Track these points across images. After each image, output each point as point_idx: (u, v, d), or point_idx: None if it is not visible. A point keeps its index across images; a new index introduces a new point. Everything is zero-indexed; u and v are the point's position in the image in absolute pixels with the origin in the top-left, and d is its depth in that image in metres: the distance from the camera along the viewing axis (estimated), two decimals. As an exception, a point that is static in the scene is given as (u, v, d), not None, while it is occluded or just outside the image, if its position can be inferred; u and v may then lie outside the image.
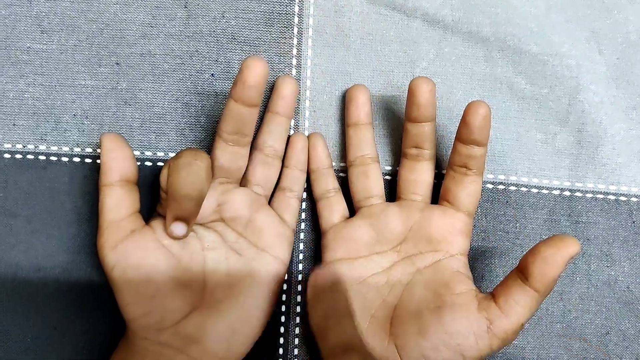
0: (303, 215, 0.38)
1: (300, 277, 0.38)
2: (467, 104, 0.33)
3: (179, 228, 0.32)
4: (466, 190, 0.34)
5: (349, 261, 0.35)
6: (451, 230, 0.34)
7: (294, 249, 0.38)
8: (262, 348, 0.37)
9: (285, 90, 0.35)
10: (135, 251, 0.32)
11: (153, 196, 0.37)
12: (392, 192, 0.38)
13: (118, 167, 0.32)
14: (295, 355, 0.38)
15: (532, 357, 0.38)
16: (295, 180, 0.36)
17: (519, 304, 0.30)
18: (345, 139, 0.37)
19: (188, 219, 0.32)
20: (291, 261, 0.38)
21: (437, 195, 0.36)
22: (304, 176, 0.37)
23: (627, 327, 0.38)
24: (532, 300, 0.30)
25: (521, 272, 0.30)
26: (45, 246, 0.37)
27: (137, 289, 0.32)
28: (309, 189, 0.38)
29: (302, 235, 0.38)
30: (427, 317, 0.32)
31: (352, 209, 0.37)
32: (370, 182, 0.36)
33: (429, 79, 0.33)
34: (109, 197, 0.32)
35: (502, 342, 0.31)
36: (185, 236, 0.32)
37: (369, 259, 0.35)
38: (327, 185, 0.37)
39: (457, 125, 0.38)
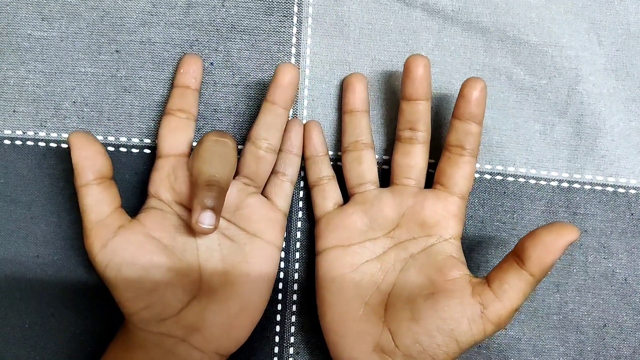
0: (300, 204, 0.38)
1: (297, 265, 0.38)
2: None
3: (207, 217, 0.29)
4: (461, 172, 0.34)
5: (342, 248, 0.35)
6: (444, 214, 0.34)
7: (290, 237, 0.38)
8: (259, 337, 0.37)
9: (284, 79, 0.34)
10: (126, 247, 0.32)
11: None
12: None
13: (91, 165, 0.32)
14: (292, 343, 0.38)
15: (528, 349, 0.38)
16: (289, 164, 0.36)
17: (513, 288, 0.30)
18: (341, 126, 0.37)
19: (216, 207, 0.30)
20: (288, 250, 0.38)
21: (431, 183, 0.36)
22: (299, 160, 0.37)
23: (624, 320, 0.38)
24: (527, 285, 0.30)
25: (518, 256, 0.30)
26: (44, 233, 0.37)
27: (134, 284, 0.31)
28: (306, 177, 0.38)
29: (299, 224, 0.38)
30: (421, 303, 0.32)
31: (347, 198, 0.37)
32: (363, 168, 0.36)
33: (424, 56, 0.34)
34: (89, 197, 0.32)
35: (496, 327, 0.31)
36: (213, 229, 0.30)
37: (362, 246, 0.35)
38: (321, 172, 0.37)
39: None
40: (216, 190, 0.30)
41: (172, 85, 0.37)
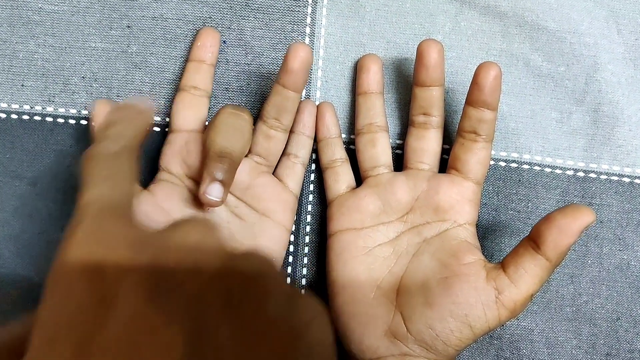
0: (311, 187, 0.38)
1: (306, 249, 0.37)
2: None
3: (215, 189, 0.29)
4: (475, 157, 0.33)
5: (355, 231, 0.34)
6: (459, 199, 0.33)
7: (300, 221, 0.37)
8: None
9: (295, 63, 0.32)
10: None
11: (160, 162, 0.37)
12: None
13: None
14: (299, 328, 0.37)
15: (541, 340, 0.37)
16: (301, 146, 0.36)
17: (529, 273, 0.30)
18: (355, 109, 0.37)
19: (225, 180, 0.29)
20: (298, 234, 0.37)
21: (445, 168, 0.35)
22: (311, 142, 0.36)
23: (638, 313, 0.37)
24: (543, 270, 0.29)
25: (533, 240, 0.30)
26: (49, 210, 0.37)
27: None
28: (318, 160, 0.37)
29: (309, 207, 0.37)
30: (434, 288, 0.31)
31: (360, 182, 0.36)
32: (377, 150, 0.35)
33: (437, 40, 0.33)
34: None
35: (511, 314, 0.30)
36: (220, 203, 0.29)
37: (374, 230, 0.34)
38: (334, 154, 0.36)
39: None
40: (227, 162, 0.29)
41: (187, 59, 0.36)
